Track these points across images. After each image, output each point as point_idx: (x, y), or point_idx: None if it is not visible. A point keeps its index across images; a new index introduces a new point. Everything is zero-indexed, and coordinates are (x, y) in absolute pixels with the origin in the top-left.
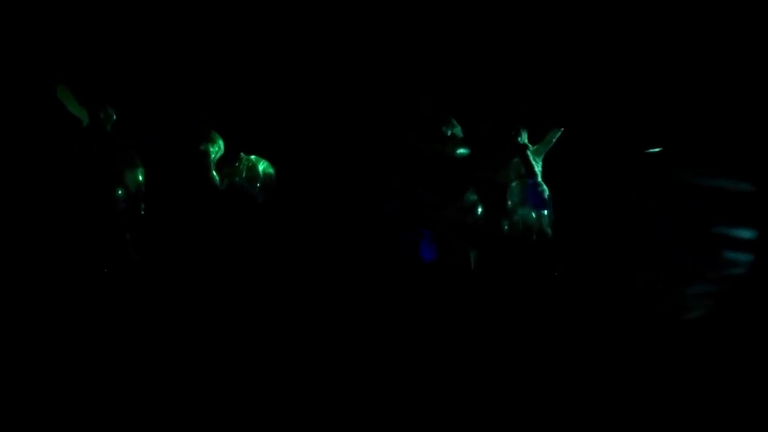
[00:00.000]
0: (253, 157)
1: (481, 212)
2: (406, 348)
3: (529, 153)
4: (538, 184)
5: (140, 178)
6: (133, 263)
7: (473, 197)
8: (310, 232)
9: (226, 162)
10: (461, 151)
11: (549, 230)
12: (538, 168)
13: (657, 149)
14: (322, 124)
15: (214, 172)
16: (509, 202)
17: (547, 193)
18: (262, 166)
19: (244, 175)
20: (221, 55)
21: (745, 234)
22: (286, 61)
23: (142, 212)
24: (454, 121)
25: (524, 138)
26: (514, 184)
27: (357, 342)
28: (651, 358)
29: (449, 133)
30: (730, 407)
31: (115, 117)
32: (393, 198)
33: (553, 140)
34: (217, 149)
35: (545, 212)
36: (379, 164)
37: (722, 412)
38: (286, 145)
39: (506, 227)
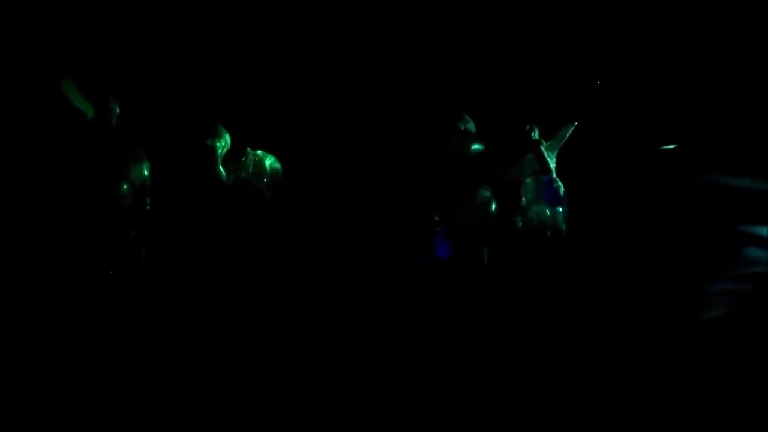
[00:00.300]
0: (259, 152)
1: (495, 209)
2: (409, 347)
3: (542, 149)
4: (553, 180)
5: (146, 172)
6: (137, 261)
7: (487, 194)
8: (312, 231)
9: (232, 157)
10: (475, 147)
11: (564, 227)
12: (552, 164)
13: (672, 146)
14: (322, 124)
15: (221, 167)
16: (523, 199)
17: (562, 189)
18: (269, 161)
19: (251, 170)
20: (227, 50)
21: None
22: (289, 61)
23: (148, 207)
24: (467, 117)
25: (536, 134)
26: (528, 180)
27: (359, 339)
28: (666, 358)
29: (462, 128)
30: (735, 408)
31: (119, 111)
32: (393, 198)
33: (567, 135)
34: (223, 144)
35: (560, 209)
36: (379, 164)
37: (728, 413)
38: (286, 144)
39: (520, 224)
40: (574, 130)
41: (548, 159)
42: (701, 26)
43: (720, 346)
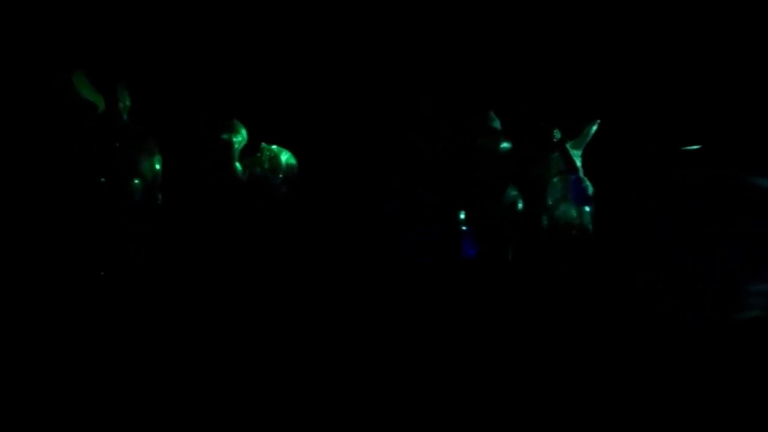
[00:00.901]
0: (274, 147)
1: (522, 208)
2: (413, 347)
3: (568, 147)
4: (580, 180)
5: (157, 167)
6: (148, 258)
7: (514, 193)
8: (319, 229)
9: (246, 152)
10: (504, 145)
11: (590, 227)
12: (578, 162)
13: (696, 146)
14: (321, 124)
15: (238, 164)
16: (549, 199)
17: (590, 188)
18: (285, 156)
19: (266, 165)
20: (240, 46)
21: None
22: (288, 61)
23: (159, 203)
24: (493, 114)
25: (558, 134)
26: (555, 179)
27: (361, 337)
28: (687, 360)
29: (489, 125)
30: (739, 409)
31: (129, 103)
32: (393, 198)
33: (591, 133)
34: (240, 139)
35: (587, 209)
36: (379, 164)
37: (733, 413)
38: (299, 140)
39: (546, 224)
40: (598, 129)
41: (574, 157)
42: (709, 28)
43: (727, 345)
